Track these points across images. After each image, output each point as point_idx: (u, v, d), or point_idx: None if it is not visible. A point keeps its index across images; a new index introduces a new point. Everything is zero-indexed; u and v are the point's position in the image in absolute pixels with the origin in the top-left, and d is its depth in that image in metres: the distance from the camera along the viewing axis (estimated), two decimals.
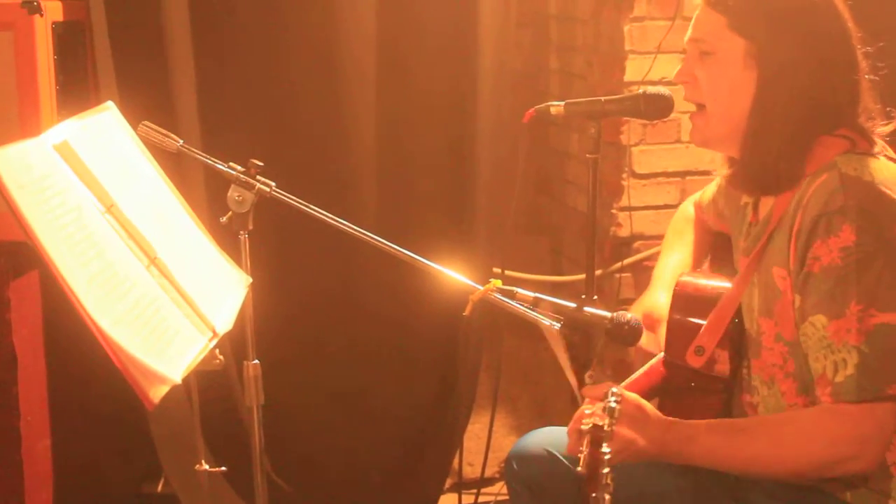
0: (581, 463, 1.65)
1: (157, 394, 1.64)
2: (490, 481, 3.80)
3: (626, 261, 3.67)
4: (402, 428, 3.60)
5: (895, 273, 1.87)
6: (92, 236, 1.77)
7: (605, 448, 1.63)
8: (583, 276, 3.80)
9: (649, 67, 3.52)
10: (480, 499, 3.68)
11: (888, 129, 2.07)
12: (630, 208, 3.62)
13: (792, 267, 1.98)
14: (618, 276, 3.70)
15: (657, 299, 2.44)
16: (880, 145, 2.04)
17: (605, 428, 1.66)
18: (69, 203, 1.77)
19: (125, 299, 1.73)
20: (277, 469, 3.48)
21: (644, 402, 1.95)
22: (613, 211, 3.67)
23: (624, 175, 3.62)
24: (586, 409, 1.81)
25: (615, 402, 1.70)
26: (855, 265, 1.87)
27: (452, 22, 3.35)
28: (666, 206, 3.64)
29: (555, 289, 4.13)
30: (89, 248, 1.73)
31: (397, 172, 3.44)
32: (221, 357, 2.10)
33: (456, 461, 3.70)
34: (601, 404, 1.72)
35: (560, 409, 4.12)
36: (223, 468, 2.32)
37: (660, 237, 3.63)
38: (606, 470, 1.62)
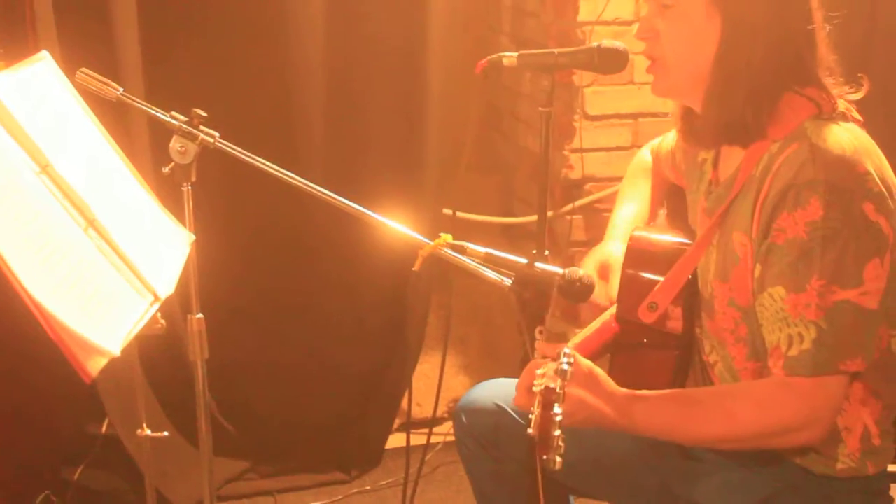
0: (532, 424, 1.63)
1: (94, 366, 1.59)
2: (440, 421, 3.81)
3: (578, 202, 3.64)
4: (350, 373, 3.60)
5: (859, 250, 1.85)
6: (25, 199, 1.69)
7: (557, 409, 1.61)
8: (535, 217, 3.82)
9: (603, 7, 3.47)
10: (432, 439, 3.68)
11: (857, 96, 2.03)
12: (582, 150, 3.59)
13: (754, 235, 1.95)
14: (569, 218, 3.67)
15: (611, 249, 2.41)
16: (844, 105, 2.00)
17: (557, 390, 1.63)
18: (0, 164, 1.69)
19: (61, 266, 1.66)
20: (225, 413, 3.47)
21: (597, 368, 1.92)
22: (565, 152, 3.63)
23: (576, 116, 3.58)
24: (539, 368, 1.77)
25: (567, 363, 1.67)
26: (820, 240, 1.85)
27: None
28: (618, 148, 3.62)
29: (505, 230, 4.10)
30: (23, 212, 1.66)
31: (346, 115, 3.39)
32: (163, 321, 2.05)
33: (405, 402, 3.69)
34: (553, 365, 1.69)
35: (509, 348, 4.12)
36: (165, 433, 2.28)
37: (611, 179, 3.62)
38: (558, 432, 1.60)
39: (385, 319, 3.57)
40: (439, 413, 3.83)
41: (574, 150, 3.58)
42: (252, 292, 3.43)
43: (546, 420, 1.61)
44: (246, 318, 3.42)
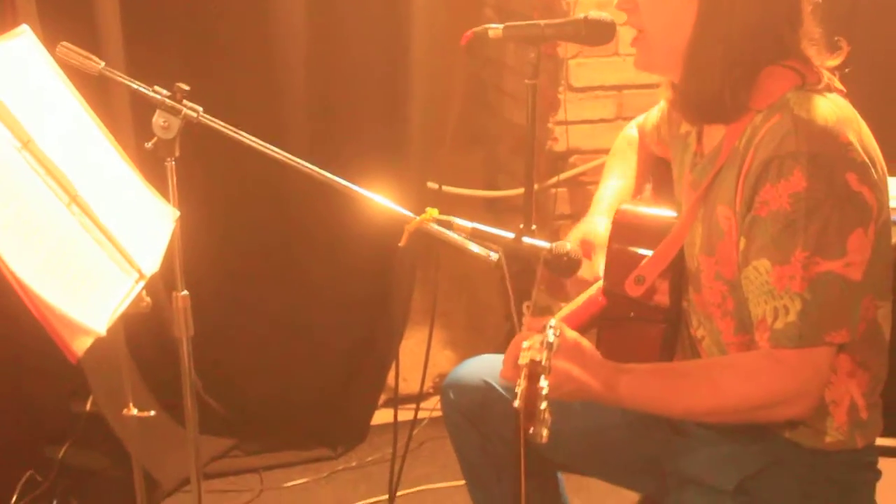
0: (518, 397, 1.61)
1: (80, 346, 1.57)
2: (426, 396, 3.80)
3: (562, 175, 3.63)
4: (335, 349, 3.59)
5: (842, 221, 1.84)
6: (7, 176, 1.67)
7: (543, 382, 1.60)
8: (521, 190, 3.80)
9: None
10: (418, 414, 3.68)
11: (836, 62, 2.02)
12: (566, 122, 3.57)
13: (738, 208, 1.94)
14: (554, 191, 3.66)
15: (596, 226, 2.40)
16: (827, 76, 1.99)
17: (543, 362, 1.62)
18: None
19: (44, 244, 1.64)
20: (210, 391, 3.45)
21: (583, 340, 1.91)
22: (550, 125, 3.62)
23: (560, 89, 3.56)
24: (525, 340, 1.76)
25: (554, 335, 1.66)
26: (804, 212, 1.84)
27: None
28: (602, 121, 3.61)
29: (490, 204, 4.09)
30: (4, 190, 1.63)
31: (329, 88, 3.37)
32: (149, 299, 2.02)
33: (390, 378, 3.69)
34: (539, 337, 1.68)
35: (494, 323, 4.12)
36: (152, 412, 2.26)
37: (596, 151, 3.61)
38: (544, 405, 1.59)
39: (370, 294, 3.56)
40: (425, 388, 3.82)
41: (559, 123, 3.56)
42: (235, 268, 3.42)
43: (532, 393, 1.60)
44: (229, 294, 3.41)
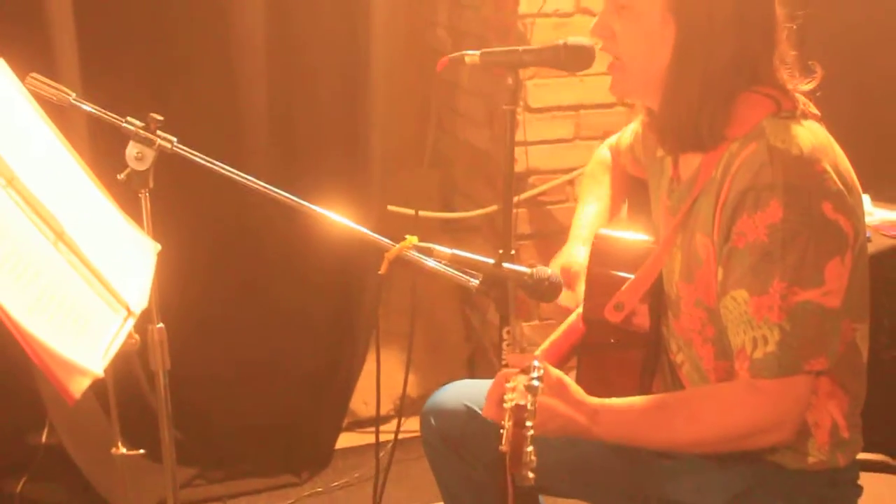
0: (503, 441, 1.62)
1: (77, 387, 1.54)
2: (386, 419, 3.79)
3: (522, 196, 3.63)
4: (299, 373, 3.57)
5: (819, 250, 1.86)
6: None
7: (528, 423, 1.60)
8: (479, 211, 3.80)
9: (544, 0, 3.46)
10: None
11: (810, 86, 2.04)
12: (525, 143, 3.57)
13: (716, 238, 1.96)
14: (514, 211, 3.65)
15: (576, 254, 2.40)
16: (802, 102, 2.01)
17: (528, 407, 1.62)
18: None
19: (36, 283, 1.60)
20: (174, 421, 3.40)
21: (566, 377, 1.92)
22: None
23: (519, 109, 3.55)
24: (510, 380, 1.75)
25: (538, 378, 1.66)
26: (780, 242, 1.85)
27: None
28: (561, 141, 3.62)
29: (445, 224, 4.08)
30: None
31: (290, 112, 3.37)
32: (137, 336, 1.99)
33: (353, 401, 3.67)
34: (524, 378, 1.68)
35: (453, 344, 4.11)
36: (141, 451, 2.22)
37: (554, 171, 3.62)
38: (530, 448, 1.60)
39: (334, 318, 3.54)
40: (387, 411, 3.81)
41: (518, 144, 3.53)
42: (196, 295, 3.37)
43: (518, 437, 1.60)
44: (191, 321, 3.36)
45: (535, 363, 1.70)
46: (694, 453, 2.05)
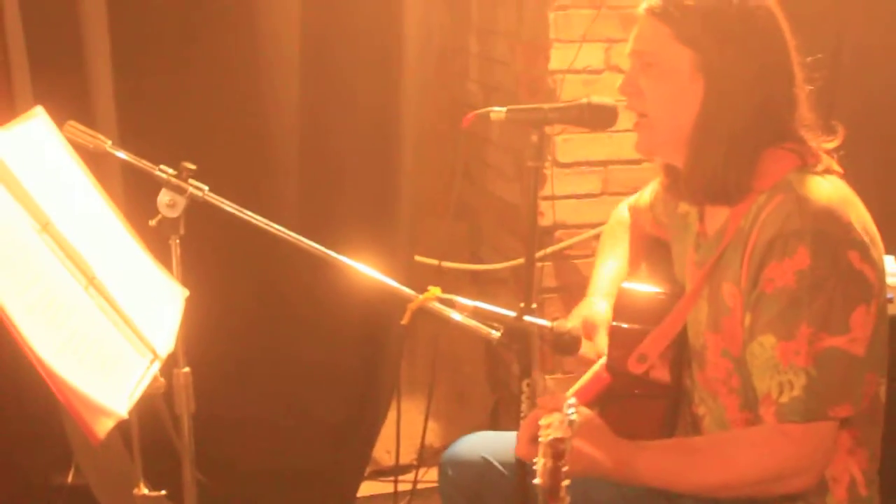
0: (540, 475, 1.63)
1: (102, 428, 1.57)
2: (407, 468, 3.80)
3: (548, 250, 3.66)
4: (324, 421, 3.58)
5: (846, 298, 1.89)
6: (29, 259, 1.68)
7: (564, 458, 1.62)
8: (505, 264, 3.83)
9: (574, 56, 3.50)
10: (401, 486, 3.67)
11: (832, 144, 2.08)
12: (553, 197, 3.60)
13: (744, 286, 1.98)
14: (540, 265, 3.68)
15: (597, 307, 2.43)
16: (826, 160, 2.05)
17: (566, 440, 1.64)
18: (2, 223, 1.67)
19: (66, 327, 1.64)
20: (196, 464, 3.42)
21: (598, 418, 1.94)
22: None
23: (547, 164, 3.60)
24: (542, 418, 1.77)
25: (574, 414, 1.68)
26: (808, 288, 1.88)
27: (377, 7, 3.30)
28: (588, 196, 3.64)
29: (474, 276, 4.11)
30: (27, 273, 1.64)
31: (321, 164, 3.39)
32: (163, 379, 2.03)
33: (376, 449, 3.68)
34: (559, 415, 1.70)
35: (477, 395, 4.12)
36: (163, 492, 2.25)
37: (581, 226, 3.65)
38: (566, 482, 1.61)
39: (358, 366, 3.56)
40: (408, 461, 3.82)
41: (545, 198, 3.59)
42: (223, 342, 3.40)
43: (556, 470, 1.62)
44: (217, 368, 3.38)
45: (570, 401, 1.71)
46: (720, 497, 2.05)
